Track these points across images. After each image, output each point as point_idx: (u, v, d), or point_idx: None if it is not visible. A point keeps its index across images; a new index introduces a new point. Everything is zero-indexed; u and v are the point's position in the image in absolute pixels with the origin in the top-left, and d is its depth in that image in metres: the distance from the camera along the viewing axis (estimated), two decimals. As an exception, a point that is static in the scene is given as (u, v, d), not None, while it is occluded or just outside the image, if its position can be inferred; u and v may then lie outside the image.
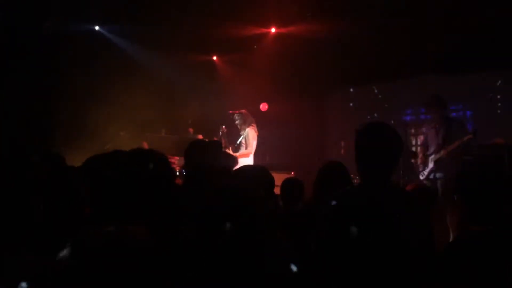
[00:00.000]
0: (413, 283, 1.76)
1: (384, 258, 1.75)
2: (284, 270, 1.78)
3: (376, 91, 8.81)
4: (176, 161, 6.95)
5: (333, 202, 1.99)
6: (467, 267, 1.84)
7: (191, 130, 8.32)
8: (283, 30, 8.13)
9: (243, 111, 6.63)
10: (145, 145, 7.40)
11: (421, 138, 6.09)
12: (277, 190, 3.54)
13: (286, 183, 3.46)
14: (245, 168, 2.61)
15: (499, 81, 7.28)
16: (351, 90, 9.16)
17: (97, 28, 8.00)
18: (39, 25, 7.11)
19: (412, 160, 6.14)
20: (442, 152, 5.37)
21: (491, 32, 6.26)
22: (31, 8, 6.76)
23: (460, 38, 6.46)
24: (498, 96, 7.52)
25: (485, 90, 7.55)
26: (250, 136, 6.26)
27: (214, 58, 9.41)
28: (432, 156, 5.53)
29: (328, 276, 1.84)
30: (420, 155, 5.77)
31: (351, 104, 9.26)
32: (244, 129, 6.32)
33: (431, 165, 5.53)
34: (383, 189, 1.90)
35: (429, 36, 6.81)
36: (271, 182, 2.52)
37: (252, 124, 6.36)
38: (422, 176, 5.67)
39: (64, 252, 1.19)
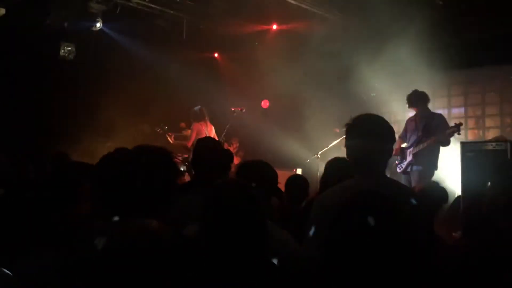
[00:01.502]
0: (412, 279, 1.73)
1: (378, 252, 1.71)
2: (288, 266, 1.78)
3: (377, 86, 8.79)
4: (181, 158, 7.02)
5: (325, 198, 1.97)
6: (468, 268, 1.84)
7: (183, 125, 8.31)
8: (284, 27, 8.12)
9: (242, 108, 6.95)
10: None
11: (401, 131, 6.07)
12: (280, 187, 3.55)
13: (291, 181, 3.47)
14: (248, 163, 2.61)
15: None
16: (354, 86, 9.12)
17: (98, 25, 7.98)
18: (41, 22, 7.10)
19: None
20: (421, 145, 5.37)
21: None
22: (32, 6, 6.76)
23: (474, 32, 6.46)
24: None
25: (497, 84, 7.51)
26: (192, 131, 7.00)
27: (216, 55, 9.40)
28: (411, 149, 5.53)
29: (326, 271, 1.83)
30: (396, 147, 5.70)
31: (354, 101, 9.23)
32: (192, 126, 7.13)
33: (409, 158, 5.52)
34: (376, 182, 1.85)
35: (430, 33, 6.78)
36: (274, 178, 2.52)
37: (198, 121, 7.02)
38: (400, 169, 5.65)
39: (96, 243, 1.19)
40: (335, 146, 8.27)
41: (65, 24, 7.29)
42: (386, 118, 2.06)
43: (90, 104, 7.65)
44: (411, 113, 6.13)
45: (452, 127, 5.23)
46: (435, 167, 5.50)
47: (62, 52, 7.69)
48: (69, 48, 7.74)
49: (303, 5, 7.22)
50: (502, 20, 6.39)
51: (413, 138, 5.59)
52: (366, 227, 1.71)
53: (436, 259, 1.81)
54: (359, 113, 2.07)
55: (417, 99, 5.57)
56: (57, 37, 7.47)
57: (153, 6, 7.45)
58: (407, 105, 5.76)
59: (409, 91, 5.74)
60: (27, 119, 6.87)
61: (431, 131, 5.37)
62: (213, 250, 1.55)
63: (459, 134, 5.25)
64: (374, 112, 2.21)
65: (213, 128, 7.23)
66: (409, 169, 5.52)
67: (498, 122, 7.64)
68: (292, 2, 7.16)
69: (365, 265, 1.69)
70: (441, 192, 3.43)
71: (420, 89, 5.73)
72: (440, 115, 5.66)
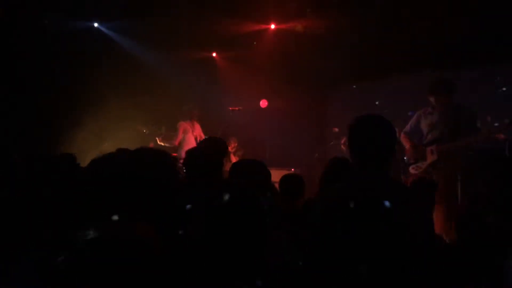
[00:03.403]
0: (412, 277, 1.72)
1: (378, 251, 1.70)
2: (283, 266, 1.77)
3: (376, 87, 8.78)
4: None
5: (327, 196, 1.95)
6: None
7: None
8: (282, 26, 8.11)
9: (240, 108, 7.21)
10: (152, 145, 7.43)
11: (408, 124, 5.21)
12: (277, 187, 3.53)
13: (284, 179, 3.44)
14: (241, 163, 2.60)
15: (498, 77, 7.25)
16: (352, 86, 9.13)
17: (96, 25, 7.97)
18: (38, 22, 7.08)
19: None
20: (452, 144, 4.64)
21: (489, 27, 6.22)
22: (29, 5, 6.73)
23: (459, 33, 6.42)
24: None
25: (484, 86, 7.51)
26: (178, 129, 7.22)
27: (214, 54, 9.38)
28: (434, 146, 4.79)
29: (323, 270, 1.81)
30: (407, 146, 5.01)
31: (352, 101, 9.24)
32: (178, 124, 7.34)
33: (433, 156, 4.77)
34: (378, 182, 1.86)
35: (429, 31, 6.78)
36: (267, 177, 2.49)
37: (185, 120, 7.24)
38: (416, 169, 4.89)
39: (71, 247, 1.18)
40: (333, 145, 8.27)
41: (62, 24, 7.28)
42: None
43: (88, 104, 7.63)
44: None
45: (500, 128, 4.56)
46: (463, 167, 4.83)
47: (60, 52, 7.67)
48: (67, 49, 7.73)
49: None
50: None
51: (435, 133, 4.83)
52: (363, 227, 1.70)
53: (433, 259, 1.79)
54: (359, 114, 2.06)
55: (442, 88, 4.82)
56: (55, 37, 7.45)
57: (150, 5, 7.43)
58: (428, 93, 4.99)
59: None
60: (25, 119, 6.84)
61: (462, 126, 4.64)
62: (212, 251, 1.54)
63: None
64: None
65: (199, 127, 7.41)
66: (430, 170, 4.75)
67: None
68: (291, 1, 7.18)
69: (358, 262, 1.69)
70: (429, 180, 3.54)
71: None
72: (468, 107, 4.87)
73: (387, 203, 1.74)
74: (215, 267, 1.51)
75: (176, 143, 7.17)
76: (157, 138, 7.46)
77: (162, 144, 7.37)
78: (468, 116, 4.71)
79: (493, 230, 1.93)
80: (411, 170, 4.94)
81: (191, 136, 7.21)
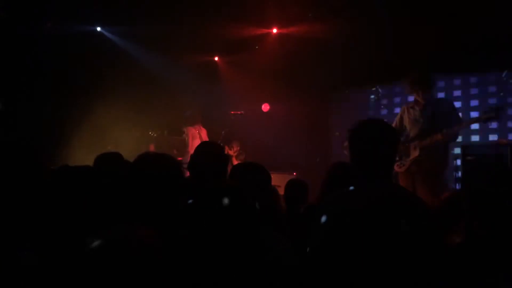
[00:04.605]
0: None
1: (385, 261, 1.66)
2: (283, 268, 1.76)
3: (380, 91, 8.77)
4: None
5: (329, 205, 1.93)
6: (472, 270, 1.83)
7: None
8: (284, 30, 8.12)
9: (242, 112, 7.20)
10: (152, 148, 7.43)
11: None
12: (280, 191, 3.53)
13: (290, 185, 3.46)
14: (241, 166, 2.60)
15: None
16: (355, 90, 9.13)
17: (98, 29, 8.00)
18: (40, 26, 7.11)
19: None
20: (434, 137, 4.51)
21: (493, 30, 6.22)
22: (32, 9, 6.77)
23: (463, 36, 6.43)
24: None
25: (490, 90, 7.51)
26: (188, 136, 7.05)
27: (216, 58, 9.40)
28: (416, 142, 4.68)
29: (325, 279, 1.80)
30: None
31: (354, 105, 9.24)
32: (185, 129, 7.16)
33: (415, 153, 4.66)
34: (381, 189, 1.82)
35: (431, 35, 6.78)
36: (267, 180, 2.49)
37: (191, 125, 7.10)
38: (400, 167, 4.72)
39: (72, 252, 1.19)
40: (335, 149, 8.26)
41: (65, 28, 7.31)
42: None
43: (90, 107, 7.65)
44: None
45: (487, 111, 4.19)
46: (447, 163, 4.71)
47: (62, 55, 7.71)
48: (69, 52, 7.76)
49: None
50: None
51: (416, 129, 4.73)
52: (393, 232, 1.65)
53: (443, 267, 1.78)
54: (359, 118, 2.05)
55: (421, 82, 4.66)
56: (58, 41, 7.48)
57: (153, 9, 7.46)
58: (407, 90, 4.88)
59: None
60: (24, 122, 6.86)
61: (441, 120, 4.52)
62: (201, 253, 1.55)
63: (496, 120, 4.27)
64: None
65: (205, 131, 7.35)
66: (413, 167, 4.65)
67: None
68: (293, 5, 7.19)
69: (364, 273, 1.67)
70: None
71: None
72: (447, 100, 4.76)
73: (395, 213, 1.72)
74: (209, 268, 1.52)
75: (189, 149, 7.04)
76: (174, 151, 7.38)
77: (176, 153, 7.27)
78: (447, 109, 4.62)
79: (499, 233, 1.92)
80: (395, 168, 4.77)
81: (198, 142, 7.17)
